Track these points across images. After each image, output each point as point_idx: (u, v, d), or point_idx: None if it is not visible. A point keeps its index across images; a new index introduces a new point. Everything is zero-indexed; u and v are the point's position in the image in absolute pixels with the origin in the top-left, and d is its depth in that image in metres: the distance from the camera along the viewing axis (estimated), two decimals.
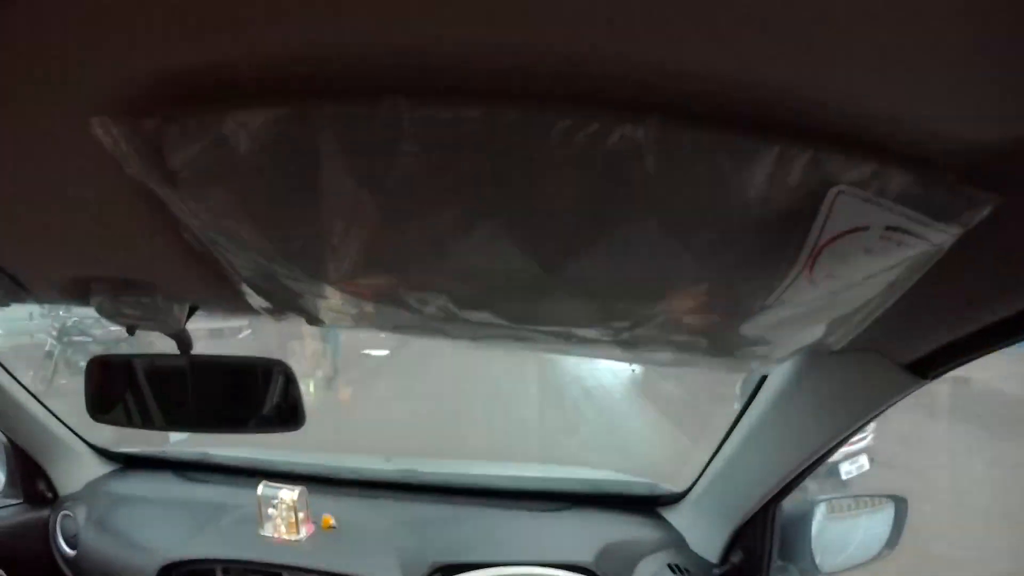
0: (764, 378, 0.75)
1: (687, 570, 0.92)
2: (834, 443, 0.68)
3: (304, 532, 1.01)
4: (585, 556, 0.92)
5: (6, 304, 0.71)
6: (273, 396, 0.75)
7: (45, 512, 1.20)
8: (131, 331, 0.66)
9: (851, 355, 0.55)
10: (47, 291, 0.60)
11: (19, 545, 1.16)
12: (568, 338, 0.50)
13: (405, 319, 0.49)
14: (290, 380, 0.74)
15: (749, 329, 0.44)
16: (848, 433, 0.65)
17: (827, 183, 0.28)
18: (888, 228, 0.30)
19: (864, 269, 0.33)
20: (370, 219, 0.33)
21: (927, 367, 0.52)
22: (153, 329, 0.66)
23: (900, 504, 1.06)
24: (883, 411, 0.60)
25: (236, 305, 0.54)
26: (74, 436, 1.26)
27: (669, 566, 0.92)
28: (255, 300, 0.49)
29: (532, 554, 0.91)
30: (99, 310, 0.58)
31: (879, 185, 0.29)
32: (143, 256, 0.46)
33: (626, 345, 0.51)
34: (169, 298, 0.59)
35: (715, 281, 0.37)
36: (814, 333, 0.47)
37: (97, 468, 1.30)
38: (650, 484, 1.13)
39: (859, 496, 1.03)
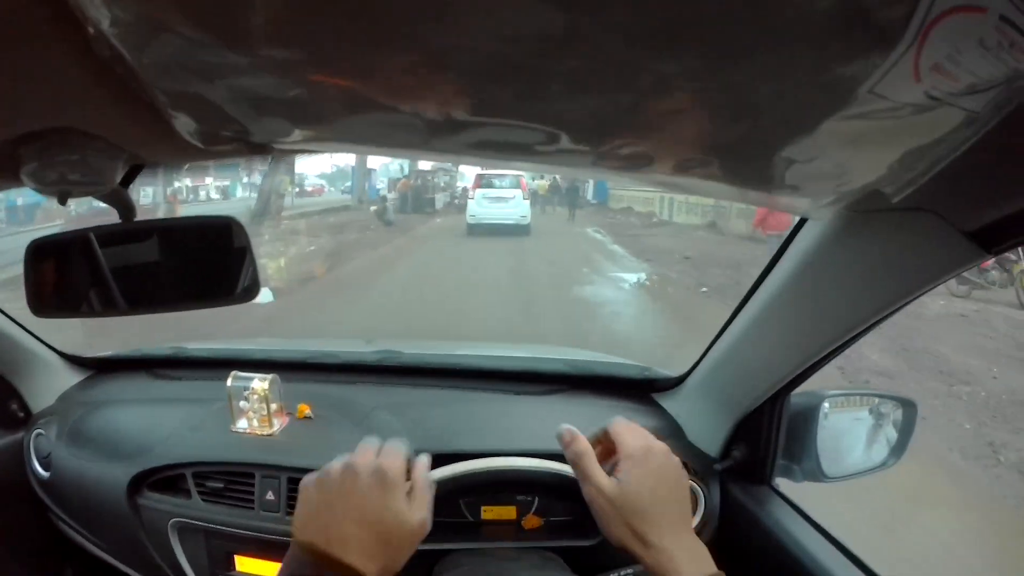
0: (787, 243, 0.67)
1: (685, 464, 0.87)
2: (874, 319, 0.59)
3: (278, 425, 0.95)
4: None
5: None
6: (227, 260, 0.67)
7: (20, 435, 1.13)
8: (63, 199, 0.57)
9: (905, 215, 0.47)
10: None
11: None
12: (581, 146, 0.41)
13: (364, 128, 0.40)
14: (244, 241, 0.65)
15: (820, 144, 0.37)
16: (892, 308, 0.57)
17: None
18: (1003, 19, 0.27)
19: (971, 71, 0.30)
20: None
21: (991, 239, 0.45)
22: (88, 193, 0.58)
23: (909, 408, 1.00)
24: (937, 284, 0.52)
25: (170, 141, 0.46)
26: (44, 346, 1.19)
27: None
28: (182, 122, 0.40)
29: (521, 441, 0.86)
30: (32, 179, 0.50)
31: None
32: (59, 97, 0.39)
33: (645, 159, 0.43)
34: (99, 149, 0.50)
35: (802, 50, 0.29)
36: (882, 167, 0.40)
37: (70, 378, 1.24)
38: (644, 367, 1.07)
39: (866, 394, 0.97)
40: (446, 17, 0.28)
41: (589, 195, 19.93)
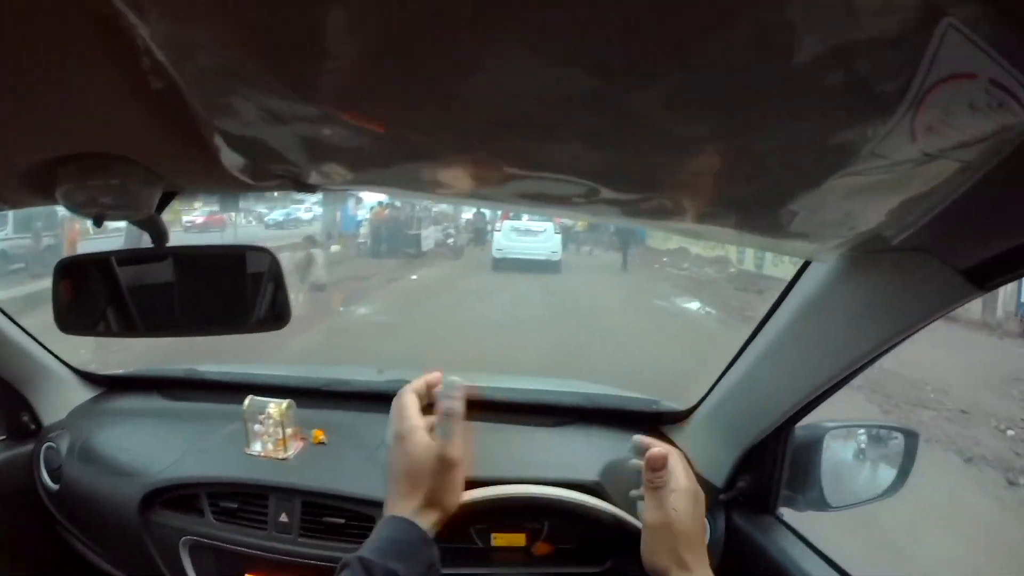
0: (792, 283, 0.70)
1: None
2: (874, 355, 0.62)
3: (293, 449, 0.96)
4: (590, 474, 0.88)
5: None
6: (263, 289, 0.69)
7: (30, 446, 1.14)
8: (99, 222, 0.58)
9: (904, 255, 0.50)
10: (9, 186, 0.53)
11: (2, 484, 1.10)
12: (591, 196, 0.44)
13: (415, 174, 0.43)
14: (277, 269, 0.67)
15: (826, 197, 0.40)
16: (892, 343, 0.60)
17: (939, 12, 0.26)
18: (993, 83, 0.29)
19: (962, 129, 0.32)
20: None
21: (984, 276, 0.48)
22: (124, 217, 0.59)
23: (910, 438, 1.02)
24: (933, 320, 0.55)
25: (212, 173, 0.47)
26: (57, 361, 1.20)
27: None
28: (230, 158, 0.42)
29: (536, 471, 0.87)
30: (66, 200, 0.51)
31: (988, 30, 0.27)
32: (106, 122, 0.40)
33: (668, 211, 0.46)
34: (137, 176, 0.52)
35: (811, 119, 0.33)
36: (882, 214, 0.44)
37: (82, 394, 1.25)
38: (652, 400, 1.09)
39: (869, 425, 0.99)
40: (498, 80, 0.30)
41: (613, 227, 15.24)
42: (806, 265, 0.67)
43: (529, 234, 11.21)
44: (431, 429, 0.59)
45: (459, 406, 0.58)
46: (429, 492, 0.57)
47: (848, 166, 0.36)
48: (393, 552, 0.53)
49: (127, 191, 0.51)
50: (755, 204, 0.45)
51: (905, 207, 0.43)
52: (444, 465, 0.56)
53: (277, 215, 16.93)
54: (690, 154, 0.38)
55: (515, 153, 0.39)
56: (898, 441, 0.99)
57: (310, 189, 0.51)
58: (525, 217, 10.90)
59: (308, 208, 16.91)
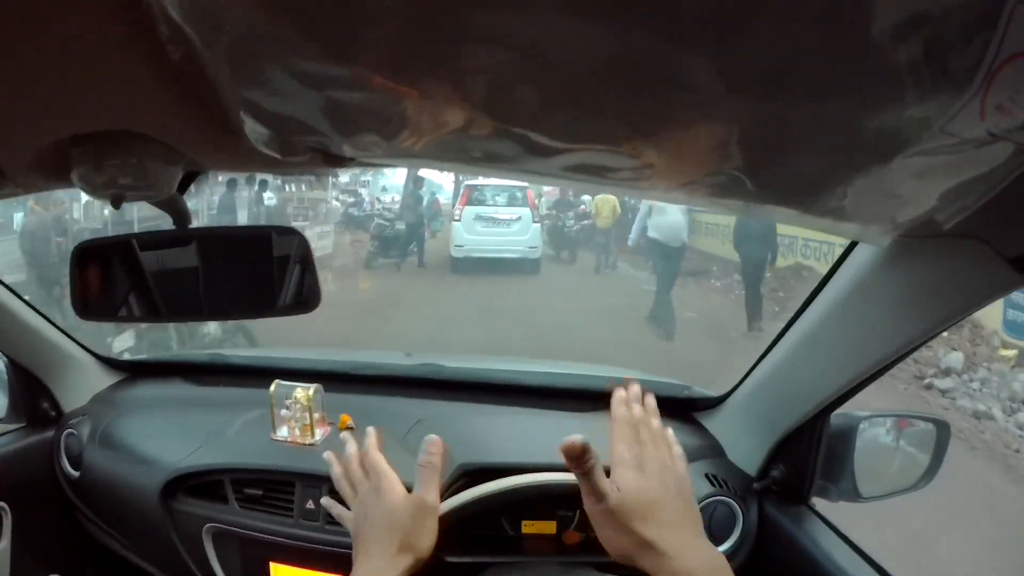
0: (836, 265, 0.68)
1: (725, 481, 0.87)
2: (919, 341, 0.60)
3: (320, 434, 0.95)
4: None
5: None
6: (290, 271, 0.67)
7: (50, 433, 1.14)
8: (116, 203, 0.56)
9: (953, 241, 0.49)
10: (25, 171, 0.51)
11: (22, 472, 1.10)
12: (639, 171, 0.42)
13: (455, 145, 0.41)
14: (306, 251, 0.65)
15: (893, 177, 0.39)
16: (936, 331, 0.59)
17: None
18: None
19: None
20: None
21: None
22: (143, 198, 0.56)
23: (942, 430, 1.00)
24: (978, 309, 0.54)
25: (237, 149, 0.45)
26: (78, 347, 1.20)
27: (707, 476, 0.88)
28: (256, 131, 0.40)
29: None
30: (83, 182, 0.49)
31: None
32: (121, 98, 0.38)
33: (725, 189, 0.44)
34: (157, 154, 0.49)
35: (886, 93, 0.31)
36: (937, 197, 0.42)
37: (104, 380, 1.25)
38: (685, 386, 1.07)
39: (901, 415, 0.97)
40: (544, 45, 0.28)
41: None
42: (852, 247, 0.65)
43: (499, 224, 8.41)
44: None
45: (436, 460, 0.62)
46: (404, 537, 0.60)
47: (917, 144, 0.35)
48: None
49: (146, 170, 0.49)
50: (817, 184, 0.44)
51: (960, 190, 0.42)
52: (422, 510, 0.60)
53: None
54: (755, 131, 0.36)
55: (563, 125, 0.37)
56: (930, 432, 0.98)
57: (341, 163, 0.49)
58: (492, 199, 8.77)
59: None
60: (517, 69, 0.31)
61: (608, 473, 0.53)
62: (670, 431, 0.60)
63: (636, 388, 0.61)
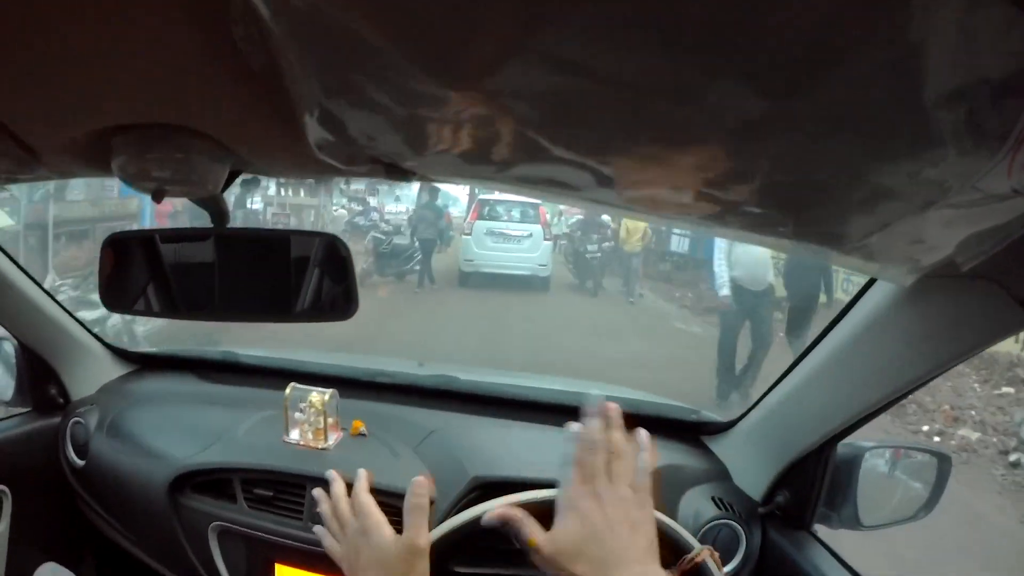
0: (854, 300, 0.70)
1: (730, 505, 0.89)
2: (929, 376, 0.63)
3: (332, 439, 0.96)
4: None
5: (13, 178, 0.59)
6: (323, 276, 0.68)
7: (56, 420, 1.14)
8: (158, 197, 0.55)
9: (967, 282, 0.51)
10: (61, 155, 0.49)
11: (25, 457, 1.10)
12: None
13: (523, 170, 0.42)
14: (343, 256, 0.66)
15: (921, 226, 0.41)
16: (943, 369, 0.61)
17: None
18: None
19: None
20: None
21: None
22: (184, 194, 0.54)
23: (944, 462, 1.02)
24: (987, 347, 0.57)
25: (293, 152, 0.44)
26: (90, 336, 1.20)
27: (713, 499, 0.89)
28: (323, 139, 0.39)
29: None
30: (122, 172, 0.47)
31: None
32: (183, 92, 0.37)
33: (761, 220, 0.46)
34: (204, 150, 0.47)
35: (929, 151, 0.33)
36: (957, 243, 0.44)
37: (114, 370, 1.25)
38: (693, 410, 1.08)
39: (904, 447, 1.00)
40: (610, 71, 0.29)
41: (676, 246, 9.76)
42: (870, 283, 0.68)
43: (509, 240, 8.36)
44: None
45: (425, 502, 0.62)
46: None
47: (950, 197, 0.37)
48: None
49: (191, 166, 0.47)
50: (853, 228, 0.46)
51: (980, 237, 0.44)
52: (412, 553, 0.60)
53: None
54: (807, 172, 0.38)
55: (636, 160, 0.39)
56: (931, 464, 1.00)
57: (404, 176, 0.49)
58: (503, 215, 8.61)
59: None
60: (595, 100, 0.32)
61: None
62: (642, 437, 0.60)
63: (589, 408, 0.60)
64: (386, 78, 0.32)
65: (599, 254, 8.14)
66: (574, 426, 0.59)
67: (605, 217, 8.25)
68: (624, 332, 6.12)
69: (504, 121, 0.35)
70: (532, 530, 0.54)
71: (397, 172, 0.48)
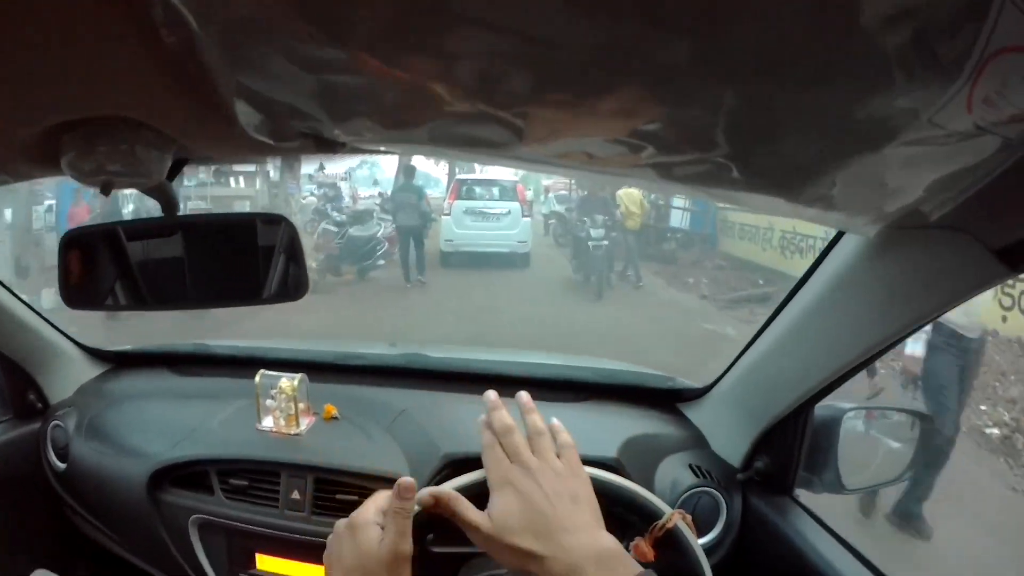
0: (822, 256, 0.69)
1: (708, 472, 0.88)
2: (903, 332, 0.61)
3: (305, 424, 0.95)
4: (609, 450, 0.87)
5: None
6: (278, 258, 0.67)
7: (36, 425, 1.13)
8: (106, 190, 0.56)
9: (939, 233, 0.50)
10: (14, 158, 0.50)
11: (8, 465, 1.09)
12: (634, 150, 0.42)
13: (448, 131, 0.41)
14: (294, 238, 0.65)
15: (881, 167, 0.40)
16: (921, 322, 0.60)
17: None
18: None
19: (1015, 103, 0.32)
20: None
21: (1019, 258, 0.47)
22: (132, 185, 0.55)
23: (925, 421, 1.02)
24: (964, 301, 0.55)
25: (229, 135, 0.44)
26: (63, 337, 1.19)
27: (690, 466, 0.88)
28: (249, 116, 0.39)
29: None
30: (72, 168, 0.48)
31: None
32: (112, 82, 0.37)
33: (712, 176, 0.44)
34: (148, 141, 0.48)
35: (875, 82, 0.32)
36: (923, 188, 0.43)
37: (90, 370, 1.24)
38: (668, 377, 1.08)
39: (885, 408, 0.99)
40: (534, 29, 0.28)
41: (677, 221, 9.09)
42: (838, 237, 0.66)
43: (488, 218, 8.30)
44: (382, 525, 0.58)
45: (410, 505, 0.59)
46: None
47: (905, 134, 0.35)
48: None
49: (137, 157, 0.47)
50: (805, 172, 0.44)
51: (946, 182, 0.42)
52: (396, 560, 0.56)
53: None
54: (742, 118, 0.37)
55: (555, 109, 0.37)
56: (912, 423, 1.00)
57: (334, 148, 0.49)
58: (481, 193, 8.52)
59: None
60: (506, 54, 0.31)
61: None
62: (555, 421, 0.59)
63: (491, 395, 0.59)
64: (289, 47, 0.31)
65: (605, 242, 6.72)
66: (482, 416, 0.58)
67: (612, 193, 7.55)
68: (644, 341, 4.67)
69: (410, 81, 0.34)
70: (466, 508, 0.53)
71: (326, 145, 0.47)
